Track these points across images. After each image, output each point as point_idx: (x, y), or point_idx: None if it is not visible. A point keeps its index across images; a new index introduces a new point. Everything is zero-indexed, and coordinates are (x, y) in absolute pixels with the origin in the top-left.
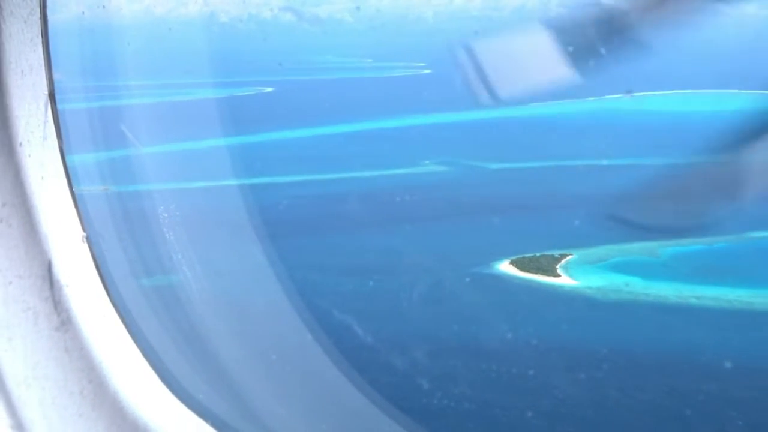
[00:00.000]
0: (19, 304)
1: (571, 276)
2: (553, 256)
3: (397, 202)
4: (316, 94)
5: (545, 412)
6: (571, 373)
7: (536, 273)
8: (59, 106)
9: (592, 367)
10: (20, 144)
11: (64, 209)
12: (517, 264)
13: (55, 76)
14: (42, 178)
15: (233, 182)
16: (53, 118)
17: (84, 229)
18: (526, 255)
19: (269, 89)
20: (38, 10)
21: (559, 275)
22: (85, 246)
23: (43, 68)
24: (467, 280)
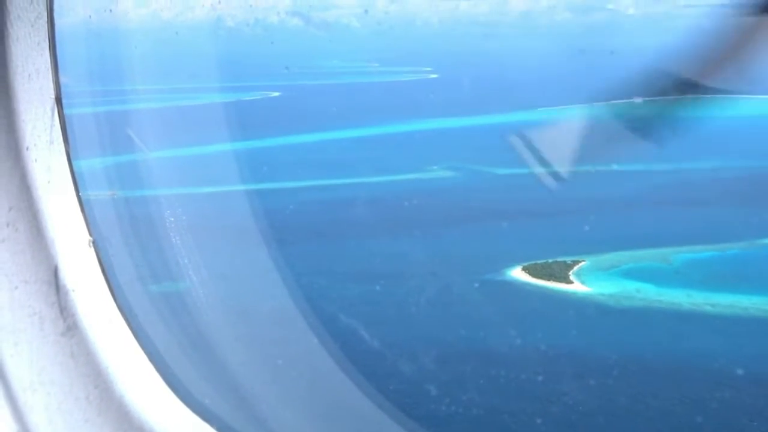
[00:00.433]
0: (25, 309)
1: (583, 282)
2: (565, 262)
3: (405, 207)
4: (323, 99)
5: (556, 419)
6: (585, 379)
7: (549, 280)
8: (66, 110)
9: (606, 374)
10: (27, 148)
11: (70, 214)
12: (530, 270)
13: (62, 80)
14: (48, 182)
15: (240, 187)
16: (60, 123)
17: (90, 234)
18: (539, 261)
19: (276, 93)
20: (45, 14)
21: (571, 282)
22: (92, 251)
23: (50, 72)
24: (479, 286)
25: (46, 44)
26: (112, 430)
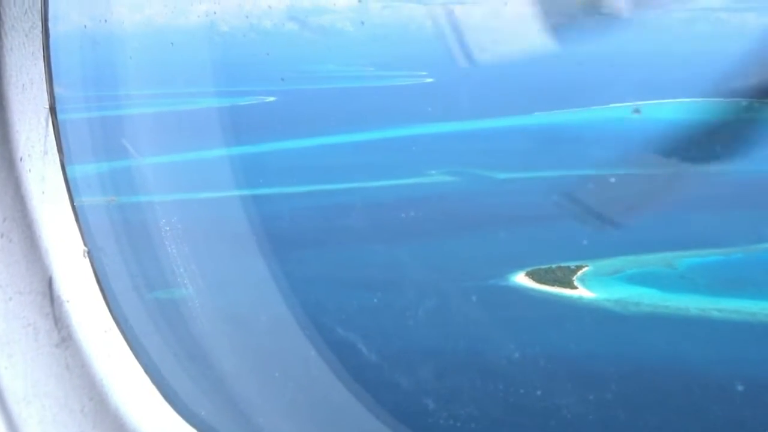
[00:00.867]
0: (19, 320)
1: (588, 288)
2: (569, 267)
3: (405, 212)
4: (319, 104)
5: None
6: (597, 387)
7: (553, 285)
8: (62, 116)
9: (621, 381)
10: (21, 159)
11: (65, 224)
12: (534, 275)
13: (57, 90)
14: (43, 192)
15: (236, 193)
16: (54, 132)
17: (85, 244)
18: (542, 266)
19: (272, 98)
20: (40, 24)
21: (576, 287)
22: (87, 261)
23: (44, 82)
24: (483, 291)
25: (40, 54)
26: None
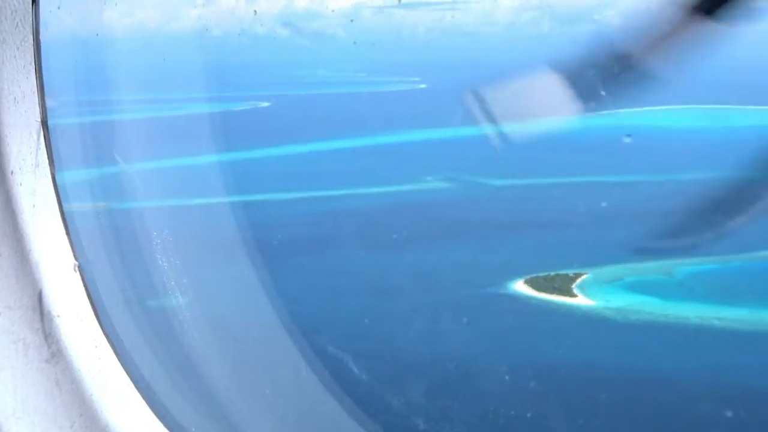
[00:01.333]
0: (8, 335)
1: (588, 296)
2: (567, 275)
3: (400, 219)
4: (313, 109)
5: None
6: (607, 397)
7: (552, 293)
8: (54, 122)
9: (627, 390)
10: (11, 172)
11: (55, 238)
12: (532, 283)
13: (48, 103)
14: (33, 206)
15: (229, 199)
16: (46, 146)
17: (76, 258)
18: (540, 274)
19: (266, 104)
20: (31, 37)
21: (575, 295)
22: (77, 275)
23: (35, 96)
24: (481, 299)
25: (32, 67)
26: None
